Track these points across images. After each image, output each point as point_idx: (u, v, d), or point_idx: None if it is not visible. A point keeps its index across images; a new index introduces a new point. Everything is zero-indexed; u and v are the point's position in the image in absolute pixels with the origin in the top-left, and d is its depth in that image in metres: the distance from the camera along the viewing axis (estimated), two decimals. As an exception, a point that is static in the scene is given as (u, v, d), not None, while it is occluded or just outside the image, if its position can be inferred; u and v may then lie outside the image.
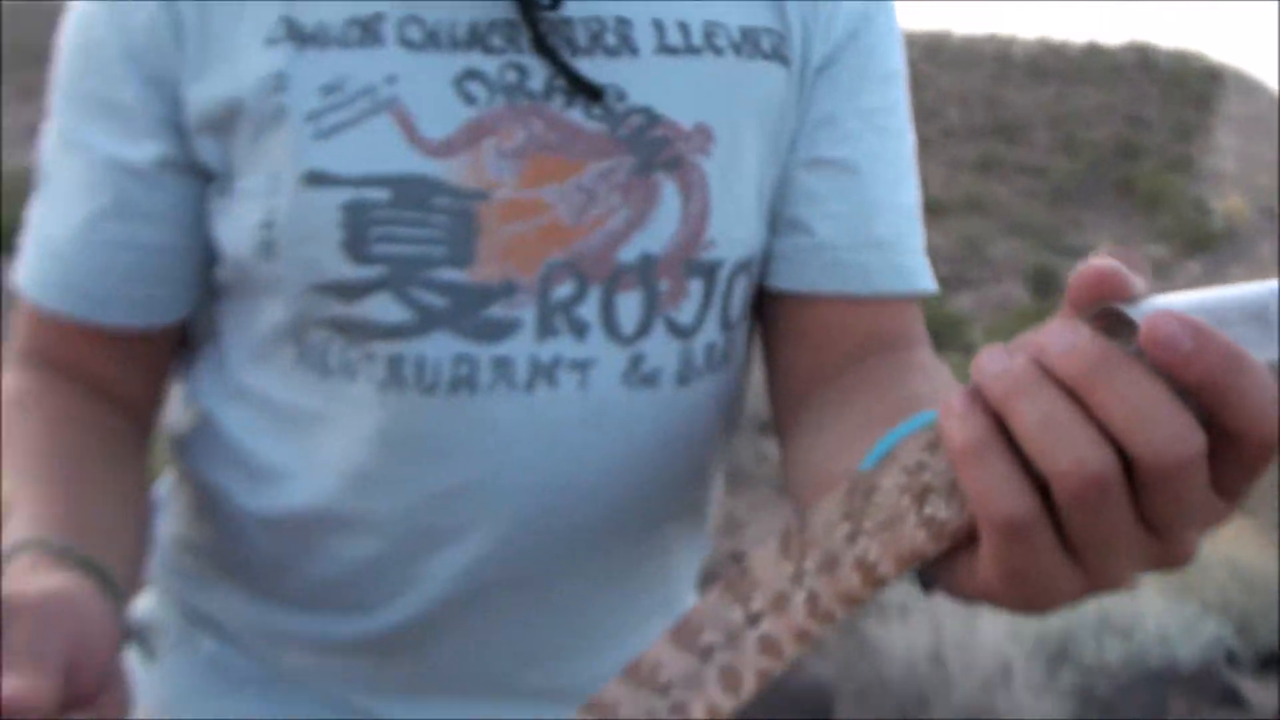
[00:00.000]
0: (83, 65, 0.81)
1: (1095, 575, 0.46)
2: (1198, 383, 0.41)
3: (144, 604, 0.96)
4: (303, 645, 0.90)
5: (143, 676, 0.73)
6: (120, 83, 0.79)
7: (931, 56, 74.83)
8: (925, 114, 60.68)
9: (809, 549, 0.51)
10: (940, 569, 0.50)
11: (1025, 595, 0.47)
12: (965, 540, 0.47)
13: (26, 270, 0.85)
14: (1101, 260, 0.44)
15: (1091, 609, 4.28)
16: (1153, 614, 4.25)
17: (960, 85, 67.18)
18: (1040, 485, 0.44)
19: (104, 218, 0.81)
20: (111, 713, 0.55)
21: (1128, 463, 0.43)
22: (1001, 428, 0.44)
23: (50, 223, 0.84)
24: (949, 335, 20.50)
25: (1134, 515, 0.44)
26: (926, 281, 0.87)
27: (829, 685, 4.03)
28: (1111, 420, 0.42)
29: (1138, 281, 0.44)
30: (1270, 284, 0.45)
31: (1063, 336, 0.43)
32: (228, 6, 0.77)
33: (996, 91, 65.48)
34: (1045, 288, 33.62)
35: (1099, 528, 0.44)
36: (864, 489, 0.50)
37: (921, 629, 3.87)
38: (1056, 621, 4.19)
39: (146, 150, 0.80)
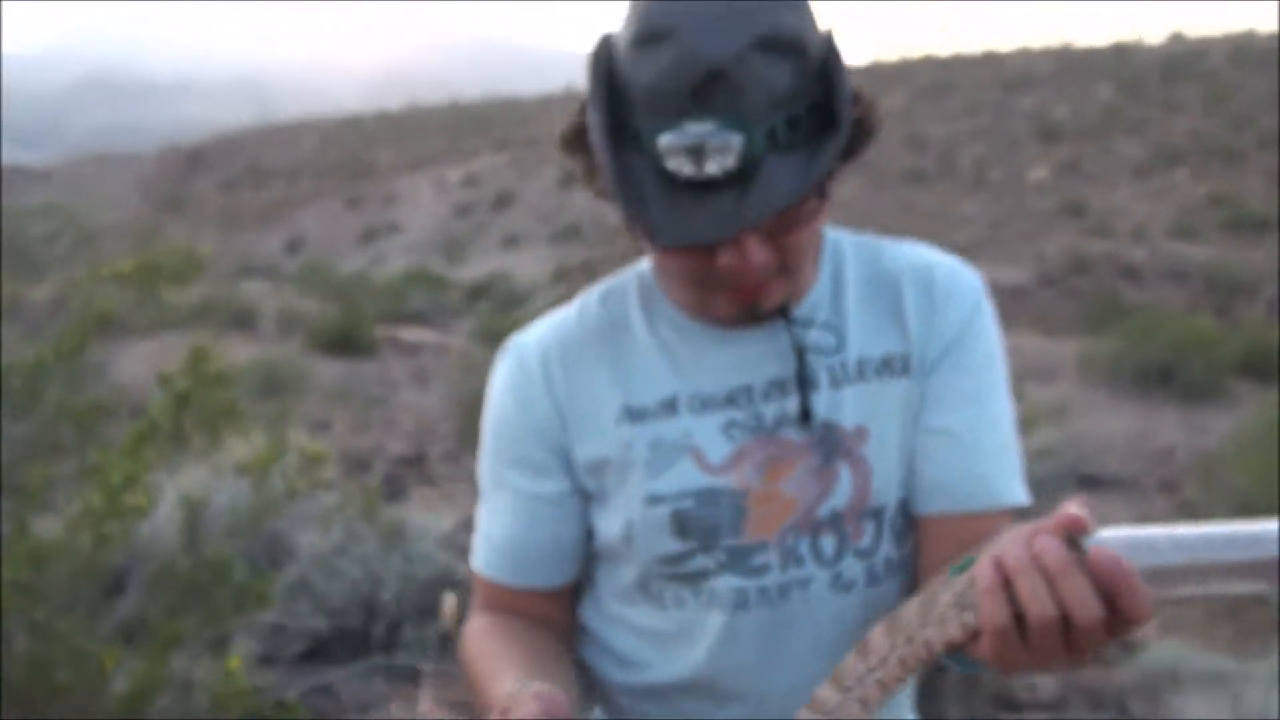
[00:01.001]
0: (506, 438, 1.36)
1: (1040, 663, 0.89)
2: (1108, 588, 0.84)
3: None
4: None
5: None
6: (531, 448, 1.34)
7: (1236, 60, 70.73)
8: (1236, 123, 57.23)
9: (899, 631, 0.97)
10: (962, 649, 0.94)
11: (1004, 666, 0.90)
12: (977, 636, 0.91)
13: (483, 559, 1.39)
14: (1076, 510, 0.87)
15: None
16: None
17: (1271, 88, 63.21)
18: (1019, 615, 0.87)
19: (530, 527, 1.36)
20: None
21: (1067, 618, 0.86)
22: (1008, 584, 0.87)
23: (495, 530, 1.38)
24: (1277, 366, 19.35)
25: (1063, 641, 0.87)
26: (1016, 497, 1.30)
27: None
28: (1063, 598, 0.85)
29: (1091, 524, 0.87)
30: (1161, 531, 0.88)
31: (1052, 548, 0.86)
32: (589, 404, 1.32)
33: (1315, 93, 61.11)
34: (1389, 304, 31.13)
35: (1045, 643, 0.87)
36: (930, 600, 0.96)
37: (1222, 700, 3.89)
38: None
39: (552, 487, 1.35)
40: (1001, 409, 1.32)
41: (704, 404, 1.30)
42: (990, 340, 1.33)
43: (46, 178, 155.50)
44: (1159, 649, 4.86)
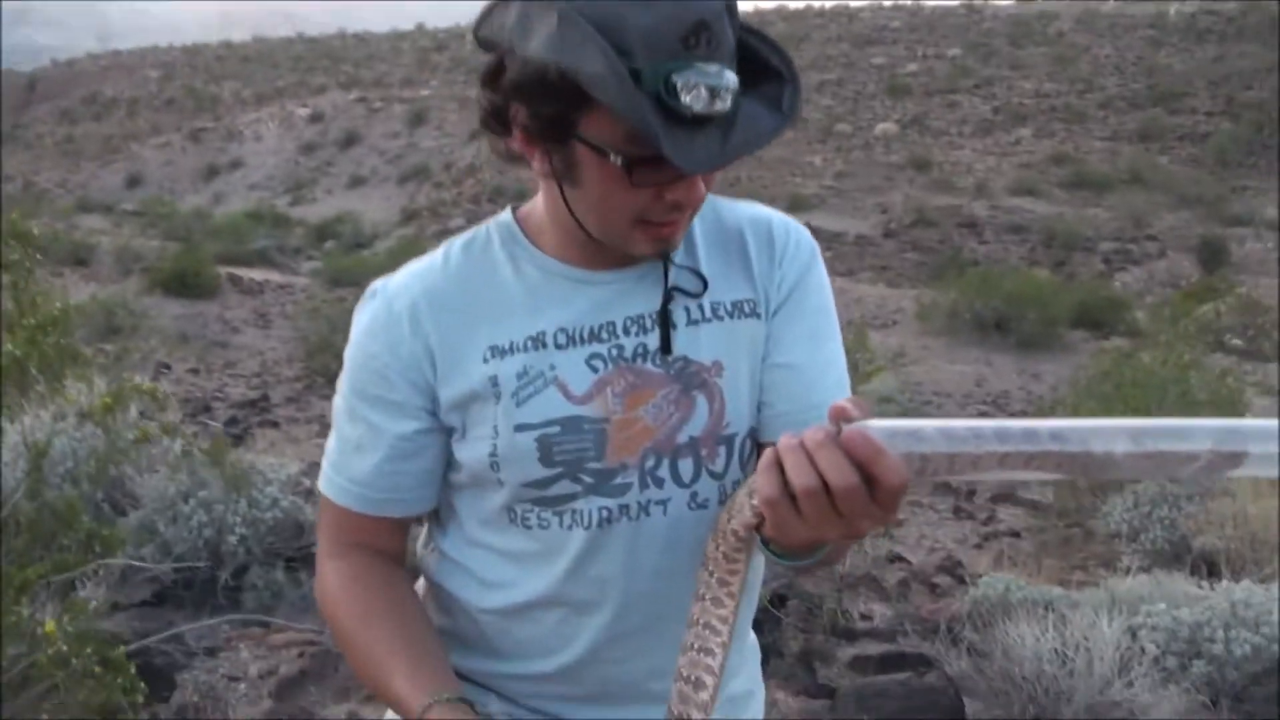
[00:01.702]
0: (368, 375, 1.41)
1: (816, 531, 1.05)
2: (858, 459, 1.00)
3: None
4: (518, 679, 1.50)
5: None
6: (394, 389, 1.39)
7: (1085, 25, 72.89)
8: (1082, 86, 59.04)
9: (716, 532, 1.19)
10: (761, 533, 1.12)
11: (786, 537, 1.08)
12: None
13: (339, 489, 1.44)
14: (845, 404, 1.04)
15: (1222, 603, 4.46)
16: (1281, 606, 4.39)
17: (1116, 54, 65.30)
18: (791, 493, 1.04)
19: (386, 462, 1.41)
20: None
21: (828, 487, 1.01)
22: (780, 464, 1.04)
23: (352, 463, 1.43)
24: (1110, 318, 20.20)
25: (831, 508, 1.02)
26: None
27: (961, 683, 4.28)
28: (820, 468, 1.01)
29: (856, 414, 1.03)
30: (932, 422, 1.00)
31: (813, 431, 1.03)
32: (456, 346, 1.39)
33: (1154, 57, 63.36)
34: (1214, 261, 32.58)
35: (813, 510, 1.03)
36: (732, 499, 1.18)
37: (1049, 628, 4.07)
38: (1187, 616, 4.37)
39: (412, 426, 1.40)
40: (835, 349, 1.49)
41: (569, 339, 1.39)
42: (824, 288, 1.51)
43: None
44: (990, 581, 5.08)
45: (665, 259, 1.41)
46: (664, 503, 1.41)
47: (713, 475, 1.43)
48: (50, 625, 2.32)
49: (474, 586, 1.48)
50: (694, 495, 1.42)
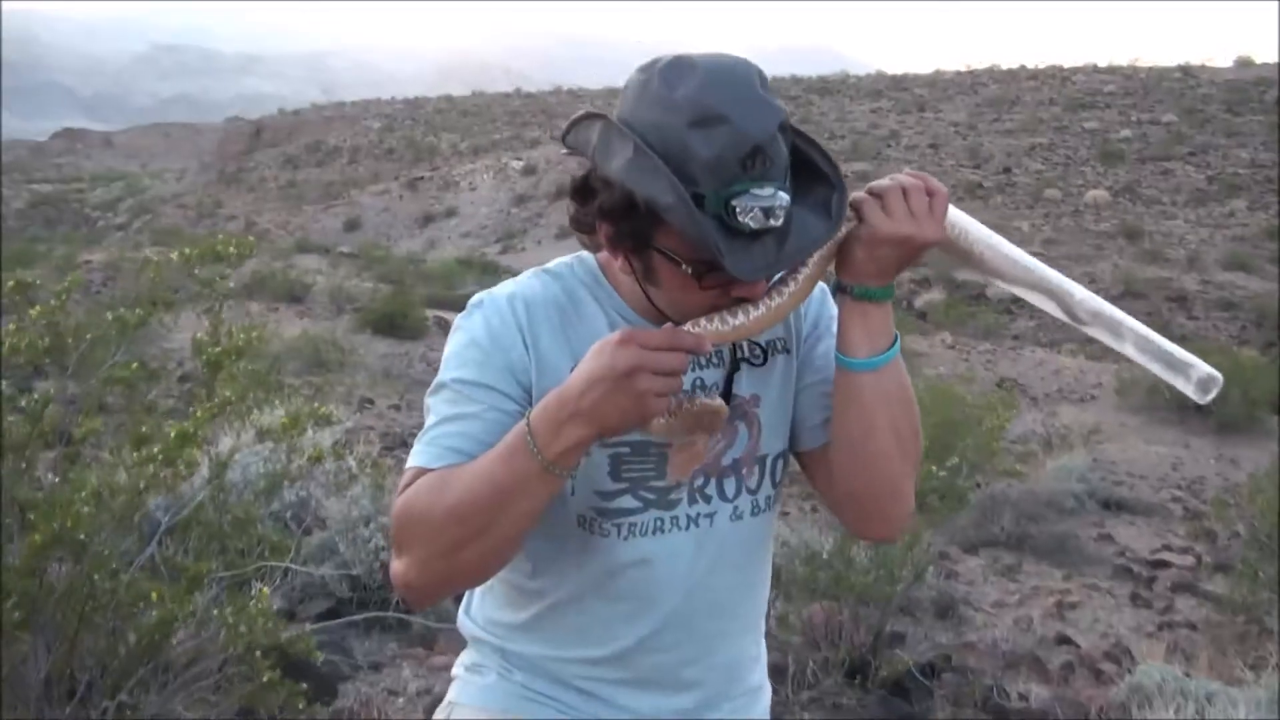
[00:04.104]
0: (479, 367, 1.59)
1: (887, 255, 1.53)
2: (923, 180, 1.53)
3: (471, 656, 1.78)
4: (570, 663, 1.70)
5: (480, 688, 1.72)
6: (502, 379, 1.59)
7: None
8: (1307, 159, 56.17)
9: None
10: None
11: (856, 272, 1.57)
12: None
13: (431, 457, 1.57)
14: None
15: None
16: None
17: (1346, 126, 62.14)
18: (878, 194, 1.55)
19: (488, 433, 1.55)
20: None
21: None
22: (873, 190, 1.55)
23: (453, 439, 1.56)
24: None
25: (904, 204, 1.52)
26: None
27: None
28: (899, 179, 1.54)
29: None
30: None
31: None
32: (549, 353, 1.60)
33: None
34: None
35: (893, 203, 1.52)
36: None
37: (1186, 717, 3.99)
38: None
39: (511, 406, 1.57)
40: None
41: None
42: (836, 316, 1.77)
43: (108, 143, 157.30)
44: (1146, 670, 4.98)
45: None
46: (710, 516, 1.66)
47: (749, 491, 1.69)
48: (228, 615, 2.59)
49: (523, 577, 1.70)
50: (735, 509, 1.68)
